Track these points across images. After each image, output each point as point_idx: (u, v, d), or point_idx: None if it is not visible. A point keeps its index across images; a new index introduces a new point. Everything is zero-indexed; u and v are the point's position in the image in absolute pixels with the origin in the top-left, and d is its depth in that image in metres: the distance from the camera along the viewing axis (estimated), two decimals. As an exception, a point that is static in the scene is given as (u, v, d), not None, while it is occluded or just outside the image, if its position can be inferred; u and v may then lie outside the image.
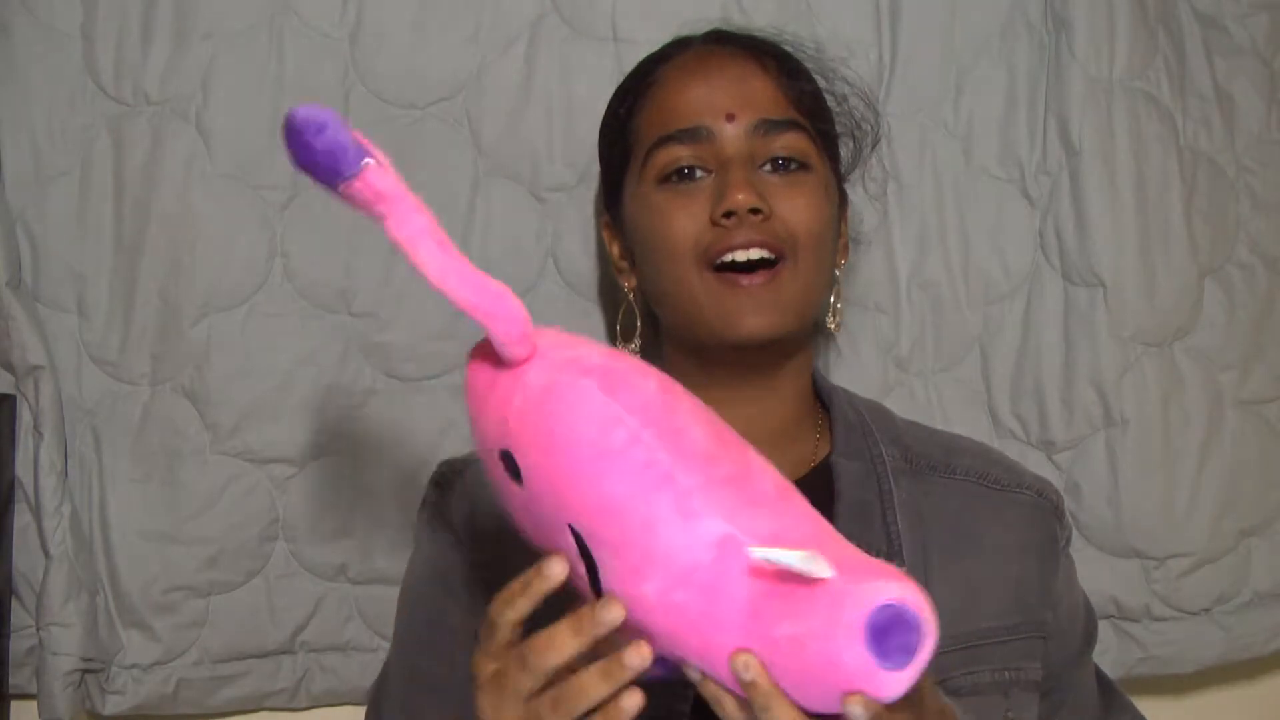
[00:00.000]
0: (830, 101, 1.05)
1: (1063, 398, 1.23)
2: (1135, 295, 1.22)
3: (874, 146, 1.12)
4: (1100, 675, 1.10)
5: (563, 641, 0.68)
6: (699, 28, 1.11)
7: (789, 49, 1.04)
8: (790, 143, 0.97)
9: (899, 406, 1.21)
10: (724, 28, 1.07)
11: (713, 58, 1.01)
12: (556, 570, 0.69)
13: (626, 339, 1.06)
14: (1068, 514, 1.05)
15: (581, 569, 0.69)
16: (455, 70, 1.19)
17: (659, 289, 0.98)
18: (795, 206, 0.95)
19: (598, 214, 1.08)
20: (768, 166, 0.96)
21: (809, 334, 1.01)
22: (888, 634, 0.61)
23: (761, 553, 0.63)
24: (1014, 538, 0.98)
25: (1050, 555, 1.00)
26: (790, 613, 0.63)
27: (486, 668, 0.72)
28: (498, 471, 0.71)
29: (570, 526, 0.67)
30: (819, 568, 0.62)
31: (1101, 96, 1.22)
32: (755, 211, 0.92)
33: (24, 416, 1.14)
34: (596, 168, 1.20)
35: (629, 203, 1.00)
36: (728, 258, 0.93)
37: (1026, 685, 0.96)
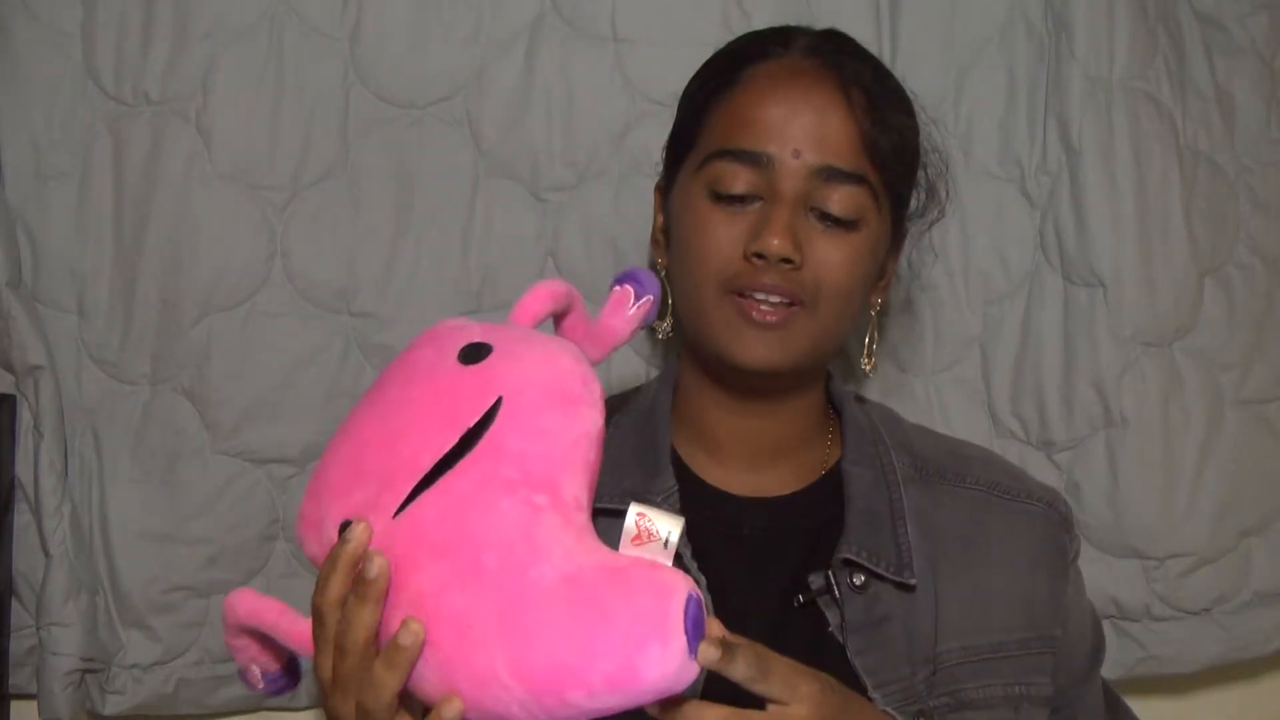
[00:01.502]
0: (908, 153, 1.01)
1: (1063, 398, 1.23)
2: (1135, 295, 1.22)
3: (937, 218, 1.07)
4: (1106, 687, 1.10)
5: (326, 579, 0.73)
6: (701, 27, 1.11)
7: (888, 85, 0.99)
8: (848, 197, 0.93)
9: (899, 407, 1.21)
10: (835, 32, 1.02)
11: (802, 79, 0.95)
12: (360, 531, 0.73)
13: (660, 317, 1.02)
14: (1075, 525, 1.05)
15: (426, 462, 0.74)
16: (455, 70, 1.19)
17: (680, 286, 0.98)
18: (830, 262, 0.93)
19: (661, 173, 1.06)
20: (818, 213, 0.93)
21: (823, 364, 1.01)
22: (694, 621, 0.69)
23: (641, 508, 0.73)
24: (1024, 550, 0.98)
25: (1060, 570, 0.99)
26: (611, 582, 0.70)
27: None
28: (442, 350, 0.79)
29: (500, 398, 0.75)
30: (675, 537, 0.72)
31: (1101, 96, 1.22)
32: (787, 260, 0.91)
33: (24, 416, 1.14)
34: (596, 168, 1.20)
35: (678, 190, 0.99)
36: (748, 297, 0.92)
37: (1036, 700, 0.96)
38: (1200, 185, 1.27)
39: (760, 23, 1.12)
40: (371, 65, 1.18)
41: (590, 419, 0.76)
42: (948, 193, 1.07)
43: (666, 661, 0.68)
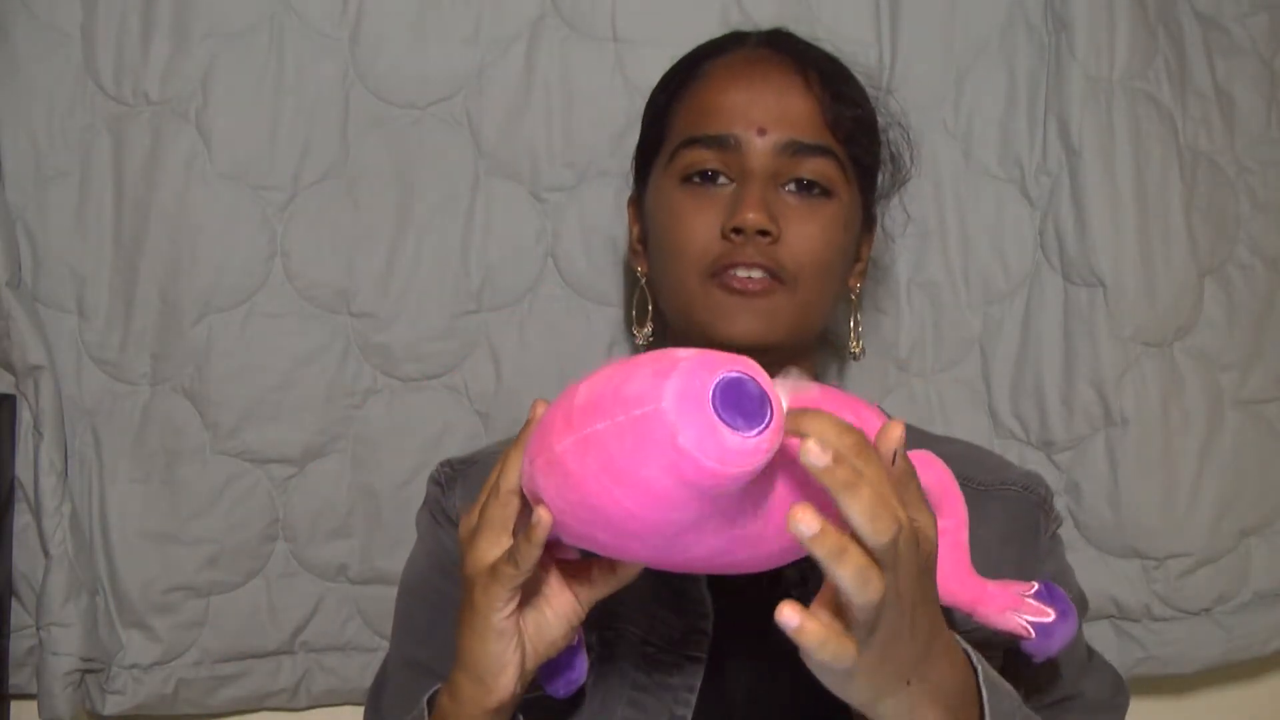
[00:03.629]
0: (870, 126, 1.03)
1: (1063, 398, 1.23)
2: (1135, 295, 1.22)
3: (903, 184, 1.11)
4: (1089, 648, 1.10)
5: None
6: (701, 27, 1.11)
7: (841, 67, 1.03)
8: (817, 168, 0.96)
9: (899, 407, 1.21)
10: (783, 30, 1.05)
11: (760, 64, 0.99)
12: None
13: (640, 324, 1.06)
14: (1057, 508, 1.04)
15: None
16: (455, 70, 1.19)
17: (663, 283, 0.99)
18: (806, 234, 0.95)
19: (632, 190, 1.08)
20: (790, 186, 0.96)
21: (809, 346, 1.02)
22: (734, 395, 0.62)
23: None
24: (993, 531, 0.97)
25: (1030, 544, 0.99)
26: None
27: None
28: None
29: None
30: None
31: (1101, 96, 1.22)
32: (764, 233, 0.92)
33: (24, 416, 1.14)
34: (596, 168, 1.20)
35: (651, 190, 1.01)
36: (730, 272, 0.93)
37: (990, 645, 0.95)
38: (1200, 185, 1.27)
39: (760, 22, 1.12)
40: (371, 65, 1.18)
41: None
42: (912, 158, 1.10)
43: (686, 395, 0.61)
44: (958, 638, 0.75)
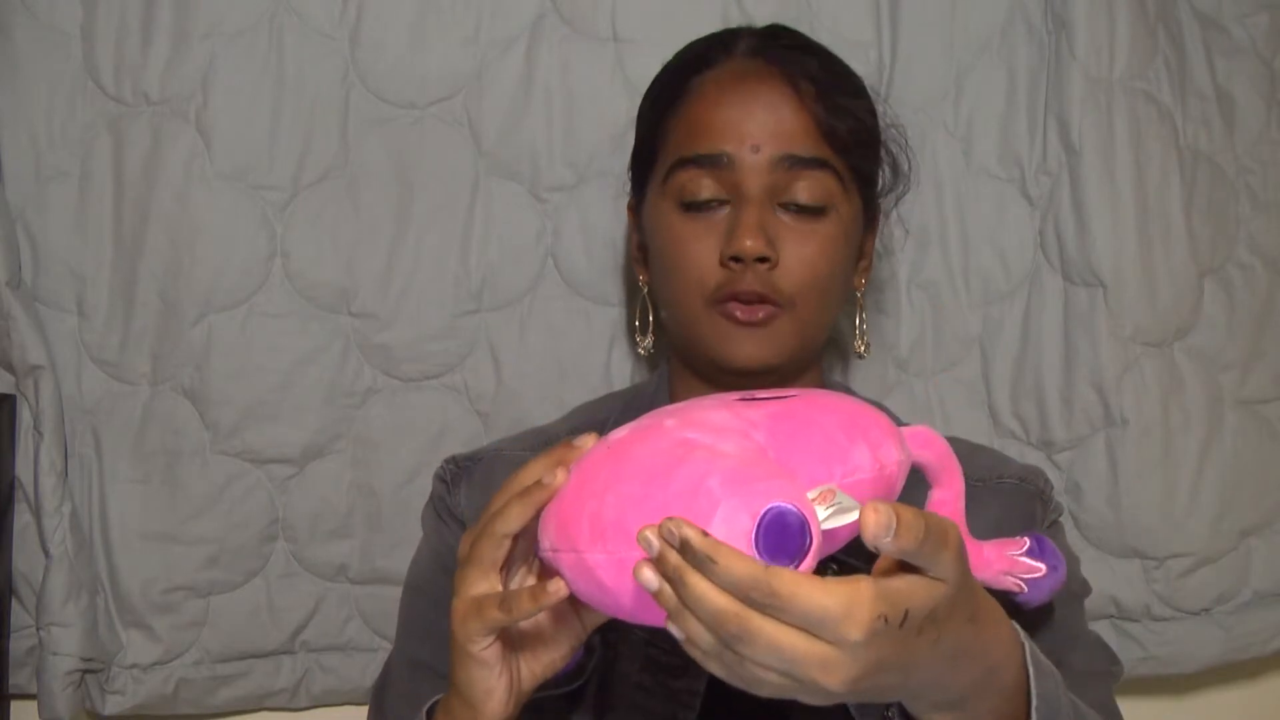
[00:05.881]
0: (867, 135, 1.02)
1: (1063, 398, 1.23)
2: (1135, 295, 1.22)
3: (902, 195, 1.10)
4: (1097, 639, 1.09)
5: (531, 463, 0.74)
6: (701, 28, 1.11)
7: (835, 72, 1.00)
8: (813, 183, 0.94)
9: (899, 406, 1.21)
10: (775, 30, 1.04)
11: (750, 77, 0.97)
12: (587, 438, 0.72)
13: (643, 334, 1.06)
14: (1056, 499, 1.04)
15: None
16: (455, 70, 1.19)
17: (665, 302, 0.99)
18: (804, 256, 0.94)
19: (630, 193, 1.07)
20: (786, 205, 0.95)
21: (815, 354, 1.02)
22: (775, 534, 0.62)
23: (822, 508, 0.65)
24: (988, 523, 0.96)
25: (1026, 530, 0.99)
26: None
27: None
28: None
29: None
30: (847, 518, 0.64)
31: (1101, 96, 1.22)
32: (762, 260, 0.92)
33: (24, 416, 1.14)
34: (596, 168, 1.20)
35: (649, 207, 1.00)
36: (731, 302, 0.93)
37: None
38: (1200, 185, 1.27)
39: (760, 22, 1.12)
40: (371, 65, 1.18)
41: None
42: (910, 165, 1.09)
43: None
44: (1028, 657, 0.73)
